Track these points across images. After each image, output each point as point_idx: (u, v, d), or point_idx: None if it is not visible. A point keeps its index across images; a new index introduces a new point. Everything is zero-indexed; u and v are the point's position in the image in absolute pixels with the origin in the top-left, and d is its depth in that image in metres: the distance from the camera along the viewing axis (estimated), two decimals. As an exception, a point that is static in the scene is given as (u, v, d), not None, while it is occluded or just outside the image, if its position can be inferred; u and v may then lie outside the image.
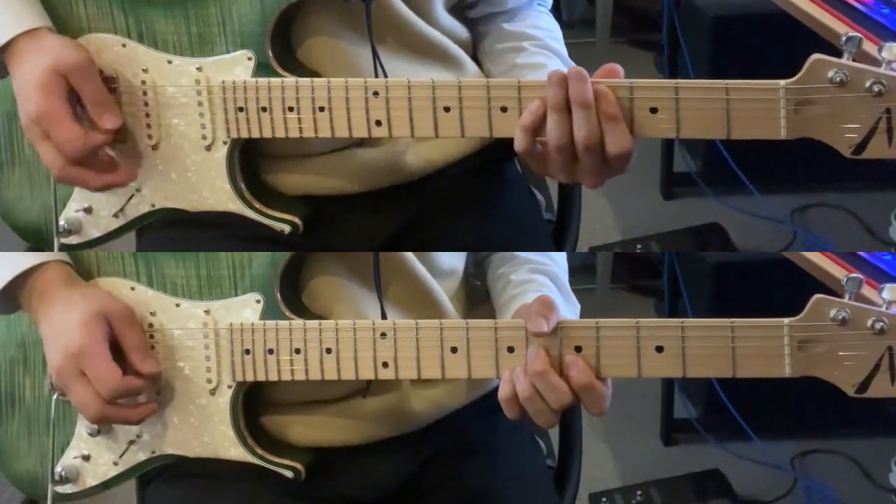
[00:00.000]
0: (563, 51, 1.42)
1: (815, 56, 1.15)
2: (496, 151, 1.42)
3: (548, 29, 1.44)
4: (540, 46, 1.40)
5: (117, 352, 1.29)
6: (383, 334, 1.26)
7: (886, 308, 1.16)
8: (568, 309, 1.36)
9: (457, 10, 1.41)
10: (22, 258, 1.31)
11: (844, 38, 1.15)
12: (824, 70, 1.15)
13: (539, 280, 1.37)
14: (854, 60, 1.15)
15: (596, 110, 1.18)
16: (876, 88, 1.14)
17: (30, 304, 1.32)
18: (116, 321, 1.29)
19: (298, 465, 1.33)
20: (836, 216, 2.89)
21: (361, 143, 1.36)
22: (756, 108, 1.17)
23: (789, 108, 1.16)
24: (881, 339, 1.16)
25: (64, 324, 1.28)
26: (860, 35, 1.15)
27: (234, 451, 1.32)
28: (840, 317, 1.16)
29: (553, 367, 1.21)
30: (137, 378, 1.29)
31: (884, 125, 1.15)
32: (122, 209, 1.34)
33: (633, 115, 1.19)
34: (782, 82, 1.16)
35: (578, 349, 1.22)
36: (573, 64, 1.38)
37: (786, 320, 1.18)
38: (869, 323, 1.16)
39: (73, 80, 1.25)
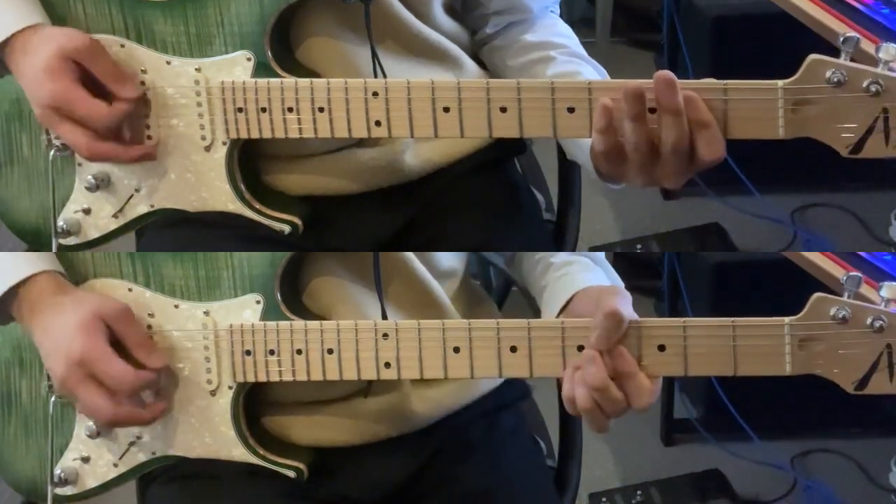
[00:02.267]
0: (583, 52, 1.41)
1: (813, 56, 1.15)
2: (496, 151, 1.43)
3: (569, 36, 1.43)
4: (568, 55, 1.39)
5: (117, 349, 1.28)
6: (385, 335, 1.26)
7: (885, 306, 1.16)
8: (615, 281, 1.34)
9: (456, 12, 1.41)
10: (12, 268, 1.30)
11: (842, 38, 1.15)
12: (822, 70, 1.15)
13: (581, 260, 1.36)
14: (852, 60, 1.15)
15: (686, 116, 1.16)
16: (873, 88, 1.14)
17: (21, 315, 1.31)
18: (114, 320, 1.28)
19: (301, 465, 1.33)
20: (836, 216, 2.89)
21: (361, 143, 1.36)
22: (754, 107, 1.17)
23: (787, 107, 1.16)
24: (880, 337, 1.17)
25: (61, 332, 1.27)
26: (858, 35, 1.15)
27: (235, 451, 1.32)
28: (840, 315, 1.17)
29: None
30: (149, 372, 1.28)
31: (881, 125, 1.15)
32: (121, 210, 1.34)
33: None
34: (780, 82, 1.16)
35: (581, 348, 1.22)
36: (602, 69, 1.38)
37: (786, 319, 1.18)
38: (868, 321, 1.16)
39: (82, 60, 1.25)
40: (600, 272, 1.34)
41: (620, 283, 1.36)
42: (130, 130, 1.29)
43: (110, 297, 1.30)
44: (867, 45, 1.18)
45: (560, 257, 1.36)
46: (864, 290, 1.18)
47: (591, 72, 1.37)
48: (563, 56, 1.39)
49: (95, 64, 1.26)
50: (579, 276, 1.31)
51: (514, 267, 1.45)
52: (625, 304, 1.20)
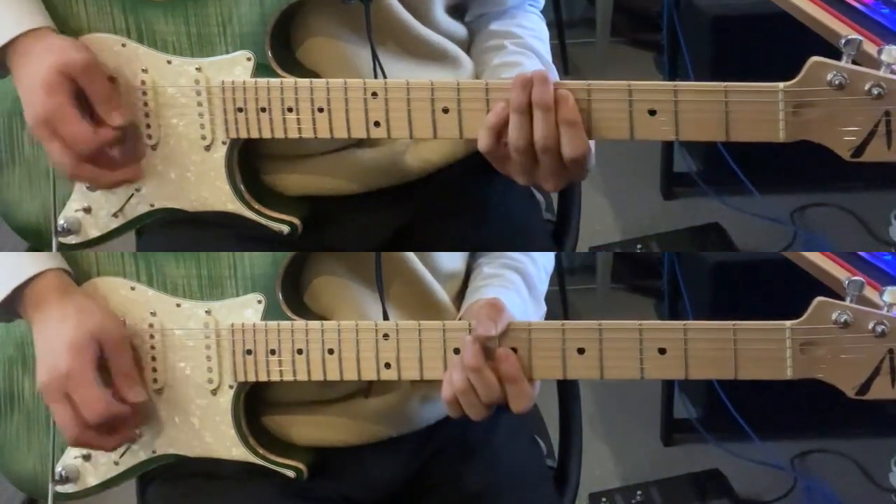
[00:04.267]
0: (545, 49, 1.42)
1: (814, 59, 1.15)
2: (496, 152, 1.42)
3: (531, 28, 1.44)
4: (520, 45, 1.40)
5: (107, 373, 1.29)
6: (386, 335, 1.26)
7: (887, 311, 1.16)
8: (533, 310, 1.38)
9: (457, 12, 1.41)
10: (18, 267, 1.30)
11: (844, 41, 1.15)
12: (823, 73, 1.15)
13: (508, 276, 1.38)
14: (854, 62, 1.15)
15: (555, 114, 1.19)
16: (875, 91, 1.14)
17: (25, 312, 1.31)
18: (108, 345, 1.28)
19: (301, 465, 1.33)
20: (836, 216, 2.89)
21: (360, 143, 1.36)
22: (755, 110, 1.17)
23: (788, 110, 1.16)
24: (882, 342, 1.16)
25: (55, 341, 1.27)
26: (860, 37, 1.15)
27: (235, 451, 1.32)
28: (842, 319, 1.16)
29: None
30: (123, 405, 1.29)
31: (883, 128, 1.15)
32: (121, 209, 1.34)
33: (632, 117, 1.19)
34: (781, 85, 1.16)
35: (581, 351, 1.22)
36: (551, 63, 1.39)
37: (787, 323, 1.18)
38: (870, 326, 1.16)
39: (79, 79, 1.25)
40: (513, 295, 1.35)
41: (543, 309, 1.41)
42: (127, 142, 1.29)
43: (113, 316, 1.31)
44: (868, 45, 1.17)
45: (492, 267, 1.40)
46: (865, 291, 1.18)
47: (536, 64, 1.38)
48: (513, 46, 1.40)
49: (90, 85, 1.26)
50: (490, 291, 1.33)
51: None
52: (492, 314, 1.24)
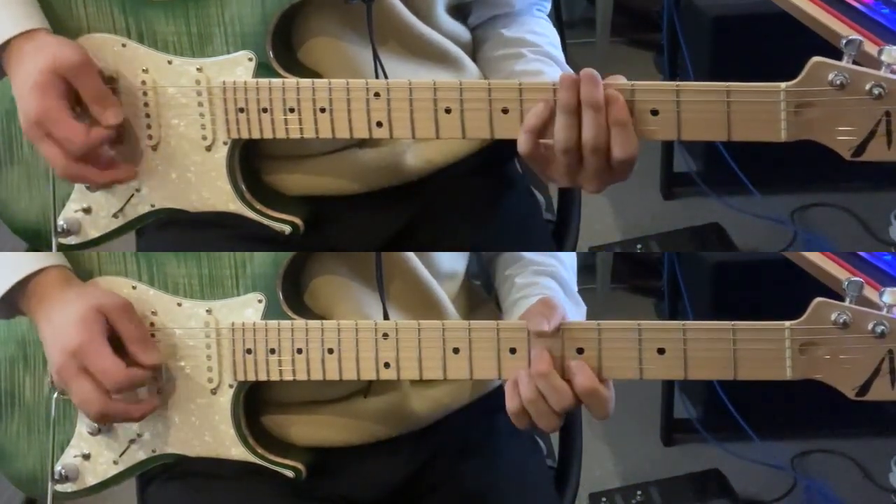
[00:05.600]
0: (562, 57, 1.42)
1: (815, 59, 1.15)
2: (497, 152, 1.42)
3: (546, 35, 1.44)
4: (539, 53, 1.40)
5: (118, 346, 1.28)
6: (385, 335, 1.26)
7: (887, 312, 1.16)
8: (574, 311, 1.36)
9: (459, 13, 1.41)
10: (20, 263, 1.31)
11: (845, 42, 1.15)
12: (824, 73, 1.15)
13: (543, 283, 1.37)
14: (855, 62, 1.15)
15: (605, 113, 1.18)
16: (876, 91, 1.14)
17: (29, 307, 1.31)
18: (113, 314, 1.28)
19: (299, 465, 1.33)
20: (836, 216, 2.89)
21: (362, 143, 1.36)
22: (756, 110, 1.17)
23: (789, 110, 1.16)
24: (882, 343, 1.16)
25: (61, 323, 1.28)
26: (860, 38, 1.15)
27: (235, 450, 1.32)
28: (841, 320, 1.16)
29: (556, 369, 1.21)
30: (141, 370, 1.28)
31: (883, 128, 1.15)
32: (121, 209, 1.34)
33: (634, 116, 1.19)
34: (782, 85, 1.16)
35: (580, 351, 1.22)
36: (571, 71, 1.38)
37: (787, 323, 1.18)
38: (870, 326, 1.16)
39: (71, 79, 1.25)
40: (560, 295, 1.35)
41: (583, 308, 1.39)
42: (126, 139, 1.29)
43: (113, 291, 1.31)
44: (868, 46, 1.18)
45: (525, 277, 1.39)
46: (865, 291, 1.18)
47: (557, 73, 1.37)
48: (532, 54, 1.39)
49: (83, 84, 1.26)
50: (533, 301, 1.32)
51: (491, 268, 1.45)
52: (545, 311, 1.23)
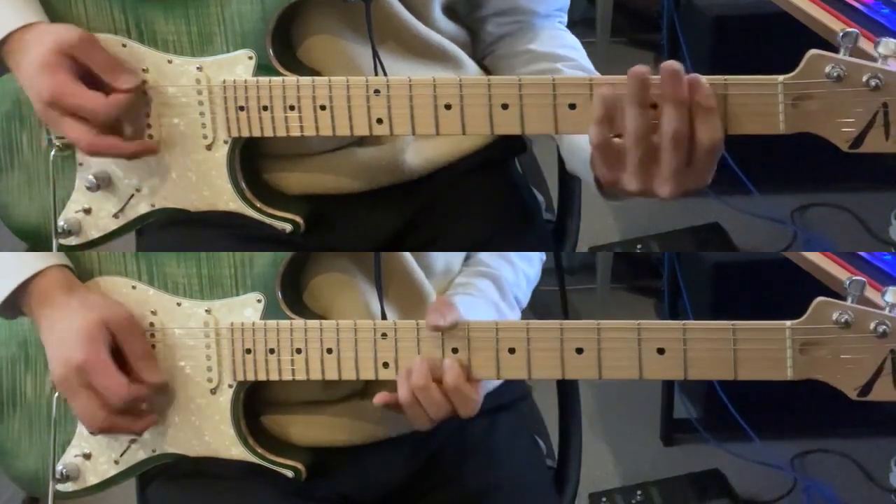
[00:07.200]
0: (592, 68, 1.40)
1: (813, 51, 1.15)
2: (496, 151, 1.42)
3: (575, 48, 1.42)
4: (575, 67, 1.38)
5: (118, 357, 1.28)
6: (384, 334, 1.26)
7: (889, 311, 1.16)
8: (506, 314, 1.38)
9: (453, 14, 1.41)
10: (22, 264, 1.31)
11: (841, 34, 1.15)
12: (822, 65, 1.15)
13: (477, 283, 1.39)
14: (851, 56, 1.15)
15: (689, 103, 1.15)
16: (873, 83, 1.14)
17: (30, 308, 1.31)
18: (118, 330, 1.28)
19: (299, 465, 1.33)
20: (836, 216, 2.89)
21: (362, 141, 1.36)
22: (754, 103, 1.17)
23: (787, 102, 1.16)
24: (884, 343, 1.16)
25: (66, 334, 1.27)
26: (856, 31, 1.15)
27: (234, 450, 1.32)
28: (842, 319, 1.16)
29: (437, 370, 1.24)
30: (143, 387, 1.29)
31: (881, 119, 1.15)
32: (121, 209, 1.34)
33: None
34: (780, 77, 1.16)
35: (580, 350, 1.22)
36: None
37: (788, 323, 1.18)
38: (872, 326, 1.16)
39: (78, 55, 1.25)
40: (475, 300, 1.36)
41: (517, 314, 1.41)
42: (132, 126, 1.29)
43: (118, 303, 1.31)
44: (865, 44, 1.18)
45: (464, 276, 1.40)
46: (867, 291, 1.18)
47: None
48: (569, 70, 1.37)
49: (91, 57, 1.26)
50: (453, 299, 1.34)
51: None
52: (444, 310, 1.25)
